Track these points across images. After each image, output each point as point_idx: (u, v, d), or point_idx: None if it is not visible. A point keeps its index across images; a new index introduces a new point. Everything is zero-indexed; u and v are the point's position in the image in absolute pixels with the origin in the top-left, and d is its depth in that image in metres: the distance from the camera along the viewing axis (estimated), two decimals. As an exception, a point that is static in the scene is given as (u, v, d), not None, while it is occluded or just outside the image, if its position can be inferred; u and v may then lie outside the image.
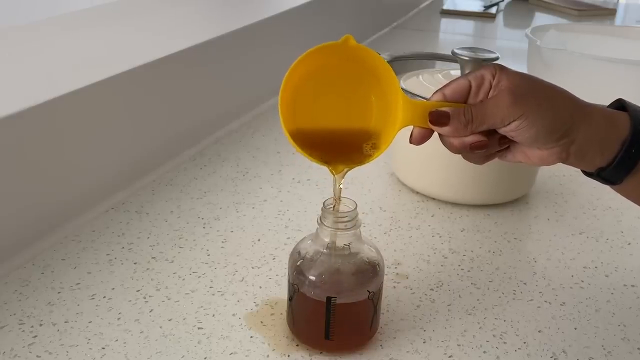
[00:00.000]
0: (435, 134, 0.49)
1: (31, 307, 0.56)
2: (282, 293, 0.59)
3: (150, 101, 0.80)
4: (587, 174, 0.50)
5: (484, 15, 1.97)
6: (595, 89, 0.99)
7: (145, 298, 0.58)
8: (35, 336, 0.52)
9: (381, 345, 0.53)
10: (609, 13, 2.07)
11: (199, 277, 0.61)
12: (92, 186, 0.72)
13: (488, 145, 0.48)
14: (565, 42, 1.14)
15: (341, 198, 0.50)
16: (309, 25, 1.23)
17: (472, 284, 0.63)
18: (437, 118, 0.47)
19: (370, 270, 0.51)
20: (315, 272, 0.50)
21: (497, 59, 0.75)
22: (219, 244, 0.67)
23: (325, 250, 0.50)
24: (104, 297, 0.58)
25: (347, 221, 0.49)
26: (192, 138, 0.90)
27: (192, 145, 0.90)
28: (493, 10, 2.01)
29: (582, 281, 0.64)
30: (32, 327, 0.54)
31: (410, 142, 0.49)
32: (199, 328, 0.54)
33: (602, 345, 0.55)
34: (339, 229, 0.49)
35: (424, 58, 0.96)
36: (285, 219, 0.73)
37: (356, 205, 0.50)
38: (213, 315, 0.56)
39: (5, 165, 0.60)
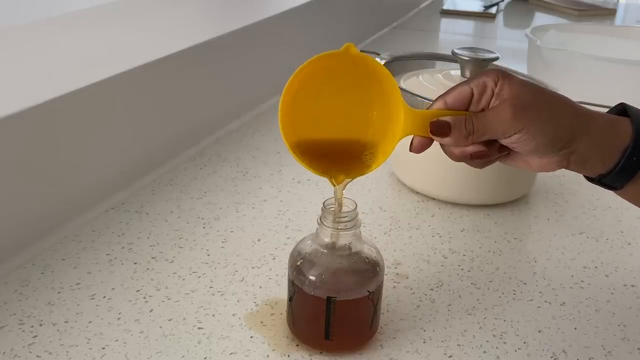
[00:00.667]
0: (436, 141, 0.49)
1: (31, 307, 0.56)
2: (282, 293, 0.59)
3: (150, 101, 0.80)
4: (589, 178, 0.50)
5: (484, 15, 1.97)
6: (595, 89, 0.99)
7: (145, 298, 0.58)
8: (35, 336, 0.52)
9: (381, 345, 0.53)
10: (609, 13, 2.07)
11: (199, 277, 0.61)
12: (92, 186, 0.72)
13: (488, 155, 0.48)
14: (565, 42, 1.14)
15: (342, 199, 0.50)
16: (309, 25, 1.23)
17: (472, 284, 0.63)
18: (438, 129, 0.47)
19: (370, 270, 0.51)
20: (315, 272, 0.50)
21: (497, 59, 0.75)
22: (219, 244, 0.67)
23: (325, 250, 0.50)
24: (104, 297, 0.58)
25: (347, 221, 0.49)
26: (192, 138, 0.90)
27: (192, 145, 0.90)
28: (493, 10, 2.01)
29: (582, 281, 0.64)
30: (32, 327, 0.54)
31: (411, 150, 0.49)
32: (199, 328, 0.54)
33: (602, 345, 0.55)
34: (339, 229, 0.49)
35: (424, 58, 0.96)
36: (285, 219, 0.73)
37: (356, 205, 0.50)
38: (213, 315, 0.56)
39: (5, 165, 0.60)
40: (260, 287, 0.60)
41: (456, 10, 1.99)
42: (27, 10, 0.91)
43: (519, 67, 0.93)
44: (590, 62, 1.05)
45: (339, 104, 0.48)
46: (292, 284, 0.51)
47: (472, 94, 0.47)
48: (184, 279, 0.61)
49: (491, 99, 0.47)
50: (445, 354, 0.53)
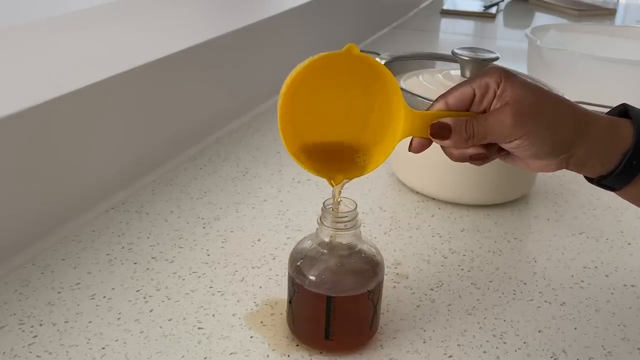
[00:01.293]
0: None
1: (31, 307, 0.56)
2: (282, 293, 0.59)
3: (150, 101, 0.80)
4: (588, 179, 0.50)
5: (484, 15, 1.97)
6: (595, 89, 0.99)
7: (145, 298, 0.58)
8: (35, 336, 0.52)
9: (381, 345, 0.53)
10: (609, 13, 2.07)
11: (199, 277, 0.61)
12: (92, 186, 0.72)
13: (487, 157, 0.48)
14: (565, 42, 1.14)
15: (341, 198, 0.50)
16: (309, 25, 1.23)
17: (472, 284, 0.63)
18: (438, 131, 0.47)
19: (370, 270, 0.51)
20: (315, 272, 0.50)
21: (497, 59, 0.75)
22: (219, 244, 0.67)
23: (325, 250, 0.50)
24: (104, 297, 0.58)
25: (347, 221, 0.49)
26: (192, 138, 0.90)
27: (192, 145, 0.90)
28: (493, 10, 2.01)
29: (582, 281, 0.64)
30: (32, 327, 0.54)
31: (410, 150, 0.49)
32: (199, 328, 0.54)
33: (602, 345, 0.55)
34: (339, 229, 0.49)
35: (424, 58, 0.96)
36: (285, 219, 0.73)
37: (356, 205, 0.50)
38: (213, 315, 0.56)
39: (5, 165, 0.60)
40: (260, 287, 0.60)
41: (456, 10, 1.99)
42: (27, 10, 0.91)
43: (519, 67, 0.93)
44: (590, 62, 1.05)
45: (338, 104, 0.47)
46: (292, 284, 0.51)
47: (474, 95, 0.47)
48: (184, 279, 0.61)
49: (493, 99, 0.47)
50: (445, 354, 0.53)
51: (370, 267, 0.51)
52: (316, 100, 0.47)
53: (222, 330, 0.54)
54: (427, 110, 0.48)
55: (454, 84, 0.78)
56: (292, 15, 1.15)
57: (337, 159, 0.49)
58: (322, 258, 0.50)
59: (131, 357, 0.51)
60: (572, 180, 0.85)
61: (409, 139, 0.49)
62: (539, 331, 0.56)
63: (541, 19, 2.03)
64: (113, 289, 0.59)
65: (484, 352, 0.53)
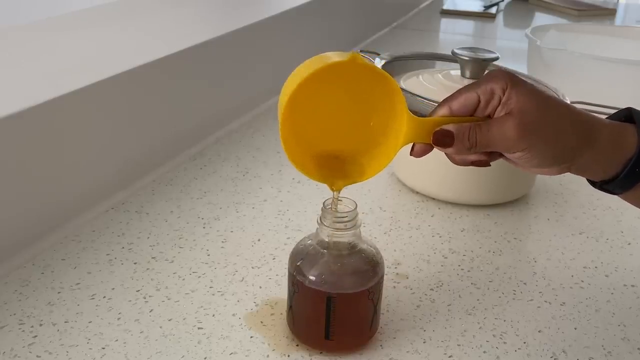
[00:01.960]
0: None
1: (31, 307, 0.56)
2: (282, 293, 0.59)
3: (150, 101, 0.80)
4: (590, 182, 0.50)
5: (484, 15, 1.97)
6: (595, 89, 0.99)
7: (145, 298, 0.58)
8: (35, 336, 0.52)
9: (381, 345, 0.53)
10: (609, 13, 2.07)
11: (199, 277, 0.61)
12: (92, 186, 0.72)
13: (489, 164, 0.48)
14: (565, 42, 1.14)
15: (341, 198, 0.50)
16: (309, 25, 1.23)
17: (472, 284, 0.63)
18: (441, 138, 0.46)
19: (370, 270, 0.51)
20: (315, 272, 0.50)
21: (497, 59, 0.75)
22: (219, 244, 0.67)
23: (325, 250, 0.50)
24: (104, 297, 0.58)
25: (347, 221, 0.49)
26: (192, 138, 0.90)
27: (192, 145, 0.90)
28: (493, 10, 2.01)
29: (582, 281, 0.64)
30: (32, 327, 0.54)
31: (411, 154, 0.49)
32: (199, 328, 0.54)
33: (602, 345, 0.55)
34: (339, 228, 0.49)
35: (424, 58, 0.96)
36: (285, 219, 0.73)
37: (356, 205, 0.50)
38: (213, 315, 0.56)
39: (5, 165, 0.60)
40: (260, 287, 0.60)
41: (456, 10, 1.99)
42: (27, 10, 0.91)
43: (519, 67, 0.93)
44: (590, 62, 1.05)
45: (340, 110, 0.47)
46: (292, 284, 0.51)
47: (479, 101, 0.46)
48: (184, 279, 0.61)
49: (498, 106, 0.46)
50: (445, 354, 0.53)
51: (370, 267, 0.51)
52: (317, 107, 0.46)
53: (222, 330, 0.54)
54: (430, 115, 0.48)
55: (454, 84, 0.78)
56: (292, 15, 1.15)
57: (338, 165, 0.48)
58: (322, 258, 0.50)
59: (131, 357, 0.51)
60: (572, 180, 0.85)
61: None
62: (539, 331, 0.56)
63: (541, 19, 2.03)
64: (113, 289, 0.59)
65: (484, 352, 0.53)
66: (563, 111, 0.46)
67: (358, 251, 0.51)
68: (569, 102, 0.73)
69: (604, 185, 0.48)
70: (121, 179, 0.76)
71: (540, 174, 0.50)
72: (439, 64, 0.95)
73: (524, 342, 0.55)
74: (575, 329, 0.57)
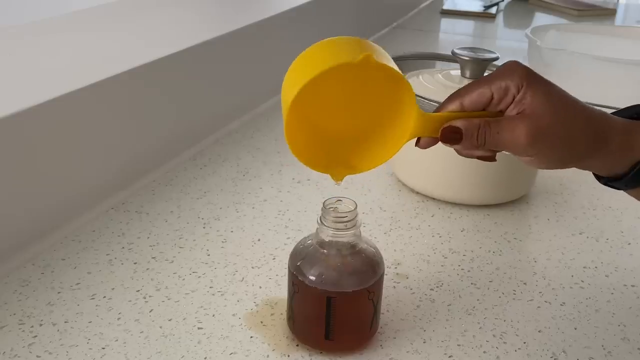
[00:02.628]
0: None
1: (31, 307, 0.56)
2: (282, 293, 0.59)
3: (150, 101, 0.80)
4: (596, 176, 0.50)
5: (484, 15, 1.97)
6: (595, 89, 0.99)
7: (145, 298, 0.58)
8: (35, 336, 0.52)
9: (381, 345, 0.53)
10: (609, 13, 2.07)
11: (199, 277, 0.61)
12: (92, 186, 0.72)
13: (494, 160, 0.47)
14: (565, 42, 1.14)
15: (341, 198, 0.50)
16: (309, 25, 1.23)
17: (472, 284, 0.63)
18: (450, 135, 0.45)
19: (370, 270, 0.51)
20: (315, 272, 0.50)
21: (497, 59, 0.75)
22: (219, 244, 0.67)
23: (325, 250, 0.50)
24: (104, 297, 0.58)
25: (347, 221, 0.49)
26: (192, 138, 0.90)
27: (192, 145, 0.90)
28: (493, 10, 2.01)
29: (582, 281, 0.64)
30: (32, 327, 0.54)
31: (417, 146, 0.48)
32: (199, 328, 0.54)
33: (602, 345, 0.55)
34: (339, 228, 0.49)
35: (424, 58, 0.96)
36: (285, 219, 0.73)
37: (356, 205, 0.50)
38: (213, 315, 0.56)
39: (5, 165, 0.60)
40: (260, 287, 0.60)
41: (456, 10, 1.99)
42: (27, 10, 0.91)
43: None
44: (590, 62, 1.05)
45: (347, 103, 0.46)
46: (292, 284, 0.51)
47: (492, 98, 0.45)
48: (184, 279, 0.61)
49: (511, 104, 0.45)
50: (445, 354, 0.53)
51: (370, 267, 0.51)
52: (324, 100, 0.45)
53: (222, 330, 0.54)
54: (440, 108, 0.47)
55: (454, 84, 0.78)
56: (292, 15, 1.15)
57: (341, 155, 0.48)
58: (322, 258, 0.50)
59: (131, 357, 0.51)
60: (572, 180, 0.85)
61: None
62: (539, 331, 0.56)
63: (541, 19, 2.03)
64: (113, 289, 0.59)
65: (484, 352, 0.53)
66: (577, 115, 0.45)
67: (358, 251, 0.51)
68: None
69: (609, 182, 0.48)
70: (121, 179, 0.76)
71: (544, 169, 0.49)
72: (439, 64, 0.96)
73: (524, 342, 0.55)
74: (575, 329, 0.57)
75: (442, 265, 0.65)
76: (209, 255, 0.65)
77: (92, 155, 0.72)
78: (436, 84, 0.77)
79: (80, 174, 0.70)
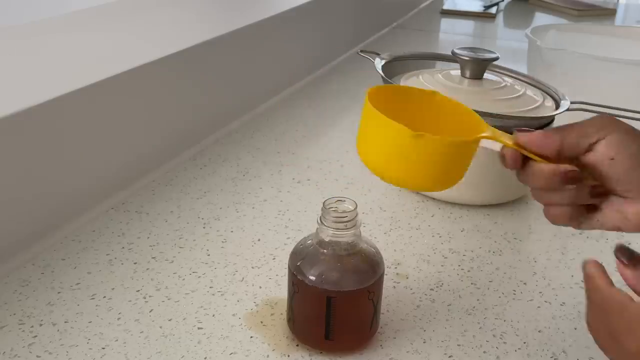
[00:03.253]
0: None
1: (31, 307, 0.56)
2: (282, 293, 0.59)
3: (150, 101, 0.80)
4: None
5: (484, 15, 1.97)
6: (595, 89, 0.99)
7: (145, 298, 0.58)
8: (35, 336, 0.52)
9: (381, 345, 0.53)
10: (609, 13, 2.07)
11: (199, 277, 0.61)
12: (92, 186, 0.72)
13: (580, 177, 0.44)
14: (565, 42, 1.14)
15: (341, 198, 0.50)
16: (309, 25, 1.23)
17: (472, 284, 0.63)
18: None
19: (370, 270, 0.51)
20: (315, 272, 0.50)
21: (497, 59, 0.75)
22: (219, 244, 0.67)
23: (325, 250, 0.50)
24: (104, 297, 0.58)
25: (347, 221, 0.49)
26: (192, 138, 0.90)
27: (192, 145, 0.90)
28: (493, 10, 2.01)
29: (582, 281, 0.64)
30: (32, 327, 0.54)
31: (506, 165, 0.46)
32: (199, 328, 0.54)
33: (602, 345, 0.55)
34: (339, 228, 0.49)
35: (424, 58, 0.96)
36: (285, 219, 0.73)
37: (356, 205, 0.50)
38: (213, 315, 0.56)
39: (5, 165, 0.60)
40: (260, 287, 0.60)
41: (456, 10, 1.99)
42: (27, 10, 0.91)
43: (519, 67, 0.92)
44: (590, 62, 1.05)
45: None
46: (292, 284, 0.51)
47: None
48: (184, 279, 0.61)
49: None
50: (445, 354, 0.53)
51: (370, 266, 0.51)
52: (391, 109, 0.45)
53: (222, 330, 0.54)
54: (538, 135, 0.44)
55: (454, 84, 0.78)
56: (292, 15, 1.15)
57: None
58: (322, 258, 0.50)
59: (131, 357, 0.51)
60: (572, 180, 0.85)
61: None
62: (539, 331, 0.56)
63: (541, 19, 2.03)
64: (113, 289, 0.59)
65: (484, 352, 0.53)
66: None
67: (358, 251, 0.51)
68: (569, 102, 0.73)
69: None
70: (121, 179, 0.76)
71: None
72: (439, 64, 0.96)
73: (524, 342, 0.55)
74: (575, 329, 0.57)
75: (442, 265, 0.65)
76: (209, 255, 0.65)
77: (92, 155, 0.72)
78: (436, 84, 0.77)
79: (80, 174, 0.70)
